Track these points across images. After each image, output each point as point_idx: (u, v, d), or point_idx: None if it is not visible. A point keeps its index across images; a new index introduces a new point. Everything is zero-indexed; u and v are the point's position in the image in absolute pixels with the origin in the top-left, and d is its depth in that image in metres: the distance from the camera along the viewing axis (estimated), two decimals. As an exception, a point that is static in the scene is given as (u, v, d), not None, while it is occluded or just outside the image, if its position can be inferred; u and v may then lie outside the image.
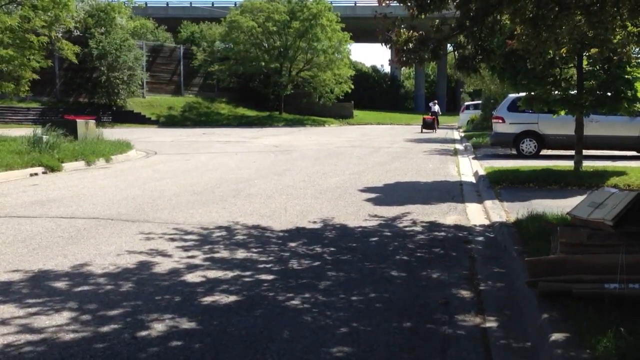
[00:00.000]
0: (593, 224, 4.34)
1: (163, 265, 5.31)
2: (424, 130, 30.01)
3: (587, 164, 11.36)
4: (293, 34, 39.18)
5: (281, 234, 6.67)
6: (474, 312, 4.29)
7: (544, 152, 16.01)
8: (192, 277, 4.97)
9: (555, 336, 3.41)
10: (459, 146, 20.77)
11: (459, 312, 4.28)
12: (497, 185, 9.94)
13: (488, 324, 4.07)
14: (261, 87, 42.33)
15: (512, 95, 16.01)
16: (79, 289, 4.65)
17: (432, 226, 7.22)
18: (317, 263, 5.50)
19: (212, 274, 5.09)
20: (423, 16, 6.56)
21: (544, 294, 4.01)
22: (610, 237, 4.17)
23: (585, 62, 10.75)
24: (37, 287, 4.66)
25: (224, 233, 6.64)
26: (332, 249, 6.01)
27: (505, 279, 5.11)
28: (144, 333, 3.78)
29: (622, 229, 4.14)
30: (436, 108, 34.15)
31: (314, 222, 7.27)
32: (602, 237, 4.21)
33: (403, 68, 59.52)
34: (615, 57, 9.58)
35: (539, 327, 3.69)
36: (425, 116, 32.42)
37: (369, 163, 14.56)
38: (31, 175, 11.57)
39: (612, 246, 4.11)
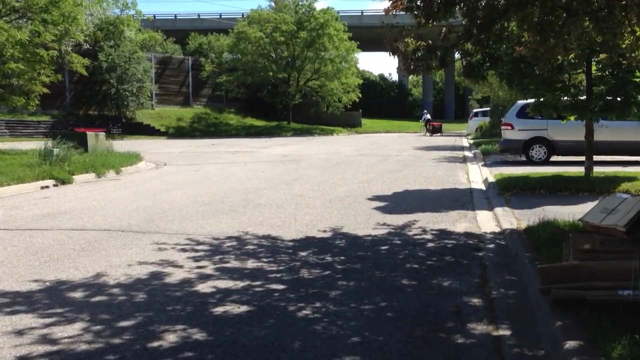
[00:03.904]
0: (605, 230, 4.32)
1: (174, 276, 5.33)
2: (433, 135, 35.23)
3: (597, 170, 11.29)
4: (300, 44, 39.33)
5: (291, 243, 6.67)
6: (485, 320, 4.26)
7: (553, 158, 15.93)
8: (203, 288, 4.98)
9: (569, 344, 3.38)
10: (468, 153, 20.72)
11: (470, 320, 4.25)
12: (507, 192, 9.90)
13: (500, 332, 4.04)
14: (269, 97, 42.49)
15: (521, 102, 15.96)
16: (91, 300, 4.67)
17: (443, 234, 7.19)
18: (327, 272, 5.49)
19: (223, 284, 5.10)
20: (430, 24, 6.58)
21: (557, 301, 3.98)
22: (623, 243, 4.14)
23: (594, 68, 10.71)
24: (50, 299, 4.69)
25: (234, 243, 6.65)
26: (342, 258, 6.00)
27: (517, 286, 5.08)
28: (155, 344, 3.79)
29: (635, 234, 4.11)
30: (428, 116, 39.13)
31: (324, 231, 7.27)
32: (615, 243, 4.18)
33: (411, 76, 59.66)
34: (624, 62, 9.54)
35: (552, 335, 3.66)
36: (434, 122, 37.14)
37: (378, 171, 14.55)
38: (42, 188, 11.64)
39: (626, 252, 4.08)
